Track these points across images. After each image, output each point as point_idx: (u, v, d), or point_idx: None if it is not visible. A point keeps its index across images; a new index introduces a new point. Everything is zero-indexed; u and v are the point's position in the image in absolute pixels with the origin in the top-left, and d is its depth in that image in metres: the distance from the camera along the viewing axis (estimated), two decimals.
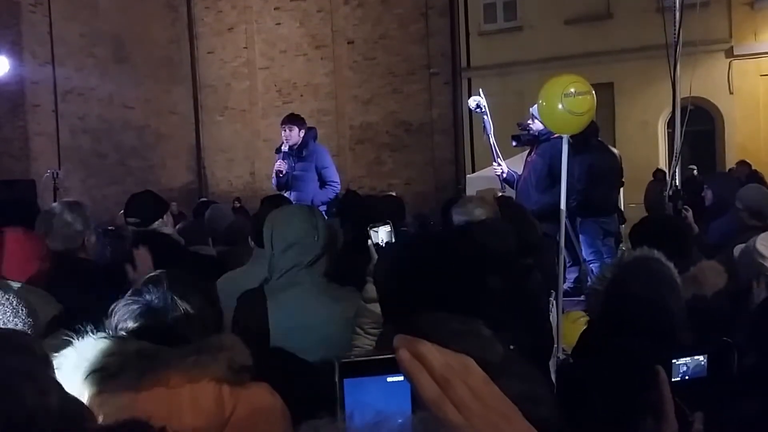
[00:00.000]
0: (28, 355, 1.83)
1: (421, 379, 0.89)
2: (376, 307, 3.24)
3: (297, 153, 8.55)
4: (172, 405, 2.16)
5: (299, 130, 8.55)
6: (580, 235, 10.07)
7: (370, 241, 3.45)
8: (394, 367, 0.92)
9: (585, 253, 10.12)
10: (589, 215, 9.75)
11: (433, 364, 0.90)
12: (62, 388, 1.81)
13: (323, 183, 8.65)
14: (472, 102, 8.00)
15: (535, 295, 3.96)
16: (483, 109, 7.96)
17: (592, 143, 9.63)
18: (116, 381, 2.17)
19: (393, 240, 3.54)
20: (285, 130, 8.54)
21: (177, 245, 5.29)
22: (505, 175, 8.09)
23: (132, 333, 2.34)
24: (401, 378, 0.91)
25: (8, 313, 2.47)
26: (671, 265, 3.01)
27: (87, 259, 4.35)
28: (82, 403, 1.94)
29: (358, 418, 0.81)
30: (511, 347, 2.04)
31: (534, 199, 7.52)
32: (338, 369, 0.98)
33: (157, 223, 5.23)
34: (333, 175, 8.75)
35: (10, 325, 2.40)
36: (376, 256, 3.40)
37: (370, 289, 3.30)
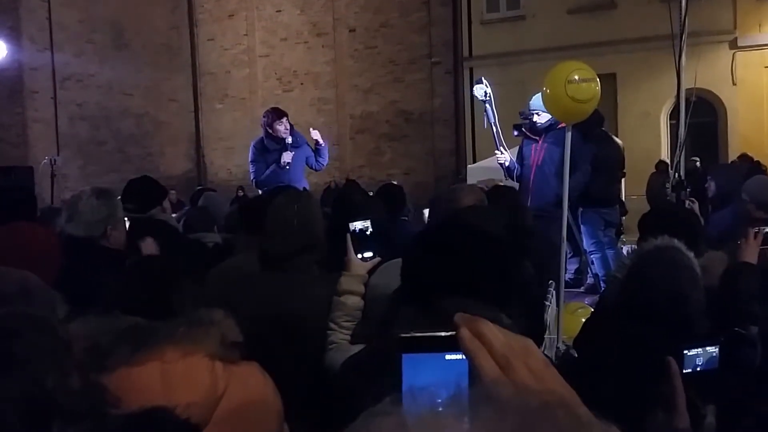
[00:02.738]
0: (51, 336, 1.83)
1: (481, 359, 0.89)
2: (348, 299, 3.23)
3: (295, 143, 8.86)
4: (166, 380, 2.16)
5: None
6: (582, 226, 10.06)
7: (348, 236, 3.45)
8: (453, 345, 0.92)
9: (586, 243, 10.12)
10: (590, 205, 9.75)
11: (494, 344, 0.89)
12: (85, 372, 1.81)
13: (319, 154, 9.14)
14: (479, 90, 7.93)
15: (524, 282, 3.94)
16: (489, 98, 7.91)
17: (596, 133, 9.61)
18: (109, 357, 2.16)
19: (371, 235, 3.54)
20: (283, 124, 8.80)
21: (175, 232, 5.26)
22: (507, 164, 8.02)
23: (125, 309, 2.34)
24: (460, 356, 0.91)
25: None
26: (691, 254, 2.98)
27: (109, 248, 4.27)
28: (106, 387, 1.94)
29: (416, 404, 0.79)
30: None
31: (553, 184, 7.47)
32: (397, 344, 0.97)
33: (155, 209, 5.18)
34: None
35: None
36: (353, 251, 3.39)
37: (344, 282, 3.32)
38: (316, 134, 9.07)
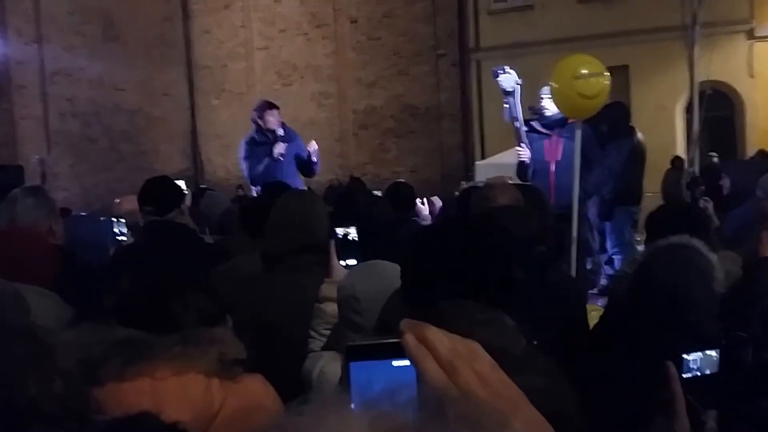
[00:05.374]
0: (32, 343, 1.87)
1: (426, 365, 0.91)
2: (328, 306, 3.26)
3: (287, 137, 9.02)
4: (157, 397, 2.17)
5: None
6: (608, 224, 10.07)
7: (332, 242, 3.50)
8: (400, 351, 0.94)
9: (610, 244, 10.13)
10: (625, 203, 9.75)
11: (439, 349, 0.91)
12: (68, 378, 1.85)
13: (308, 164, 9.14)
14: (510, 80, 7.55)
15: (560, 285, 3.93)
16: (516, 89, 7.65)
17: (628, 127, 9.68)
18: (100, 371, 2.20)
19: (356, 242, 3.59)
20: (274, 116, 9.04)
21: (193, 235, 5.28)
22: (527, 161, 7.83)
23: (123, 318, 2.37)
24: (407, 362, 0.93)
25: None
26: (710, 254, 2.98)
27: (58, 245, 4.35)
28: (89, 393, 1.98)
29: (365, 397, 0.84)
30: (534, 342, 2.07)
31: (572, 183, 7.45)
32: (345, 352, 1.00)
33: (173, 212, 5.16)
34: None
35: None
36: (335, 258, 3.45)
37: (325, 289, 3.33)
38: (313, 146, 9.16)
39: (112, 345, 2.24)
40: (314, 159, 9.15)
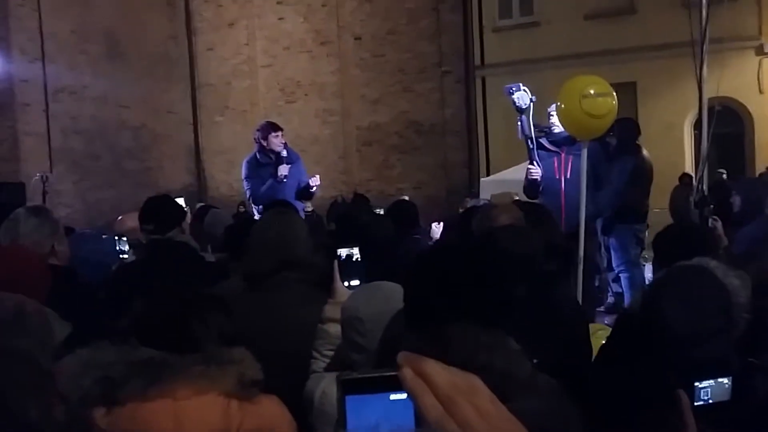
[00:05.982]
0: (34, 368, 1.87)
1: (424, 398, 0.90)
2: (331, 327, 3.25)
3: (289, 159, 9.17)
4: (177, 417, 2.20)
5: None
6: (612, 241, 10.04)
7: (335, 263, 3.49)
8: (397, 385, 0.93)
9: (615, 262, 10.10)
10: (624, 221, 9.74)
11: (437, 383, 0.91)
12: (69, 403, 1.85)
13: (307, 192, 9.34)
14: (524, 97, 7.51)
15: (562, 305, 3.91)
16: (530, 106, 7.61)
17: (635, 145, 9.69)
18: (121, 391, 2.20)
19: (359, 262, 3.59)
20: (278, 137, 9.19)
21: (195, 254, 5.28)
22: (539, 179, 7.77)
23: (143, 338, 2.37)
24: (405, 396, 0.92)
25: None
26: (731, 279, 2.92)
27: (59, 265, 4.34)
28: (91, 417, 1.98)
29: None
30: (534, 361, 2.05)
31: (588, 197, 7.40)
32: (340, 386, 0.99)
33: (173, 231, 5.15)
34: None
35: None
36: (339, 278, 3.45)
37: (328, 310, 3.34)
38: (316, 180, 9.32)
39: (133, 365, 2.27)
40: (313, 190, 9.33)
